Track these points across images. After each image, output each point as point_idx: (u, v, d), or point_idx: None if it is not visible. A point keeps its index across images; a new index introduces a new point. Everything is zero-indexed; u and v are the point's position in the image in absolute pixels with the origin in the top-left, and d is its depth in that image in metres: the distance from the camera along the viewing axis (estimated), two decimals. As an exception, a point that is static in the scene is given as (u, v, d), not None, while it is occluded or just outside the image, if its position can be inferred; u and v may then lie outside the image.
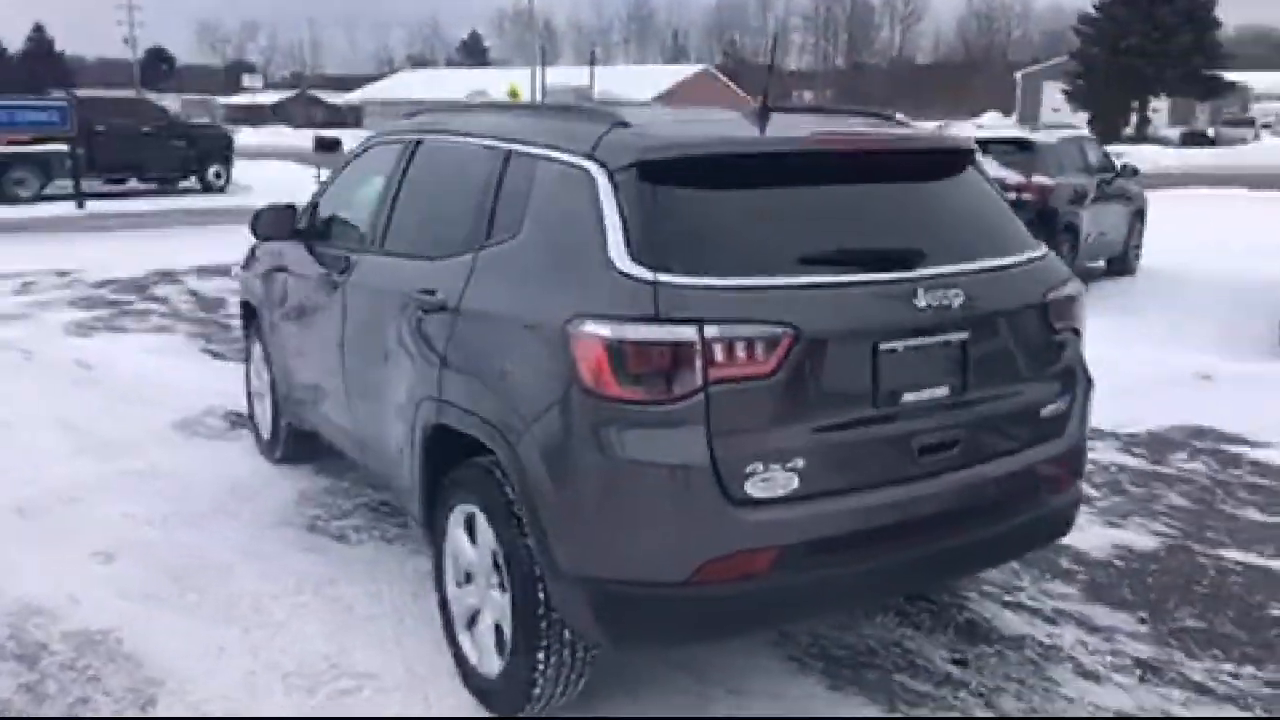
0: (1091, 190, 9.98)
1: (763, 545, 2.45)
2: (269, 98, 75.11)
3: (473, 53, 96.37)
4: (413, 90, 69.30)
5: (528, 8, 51.34)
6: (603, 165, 2.66)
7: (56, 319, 8.55)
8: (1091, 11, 44.75)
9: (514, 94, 39.24)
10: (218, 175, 20.64)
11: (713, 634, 2.69)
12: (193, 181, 20.33)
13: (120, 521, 4.32)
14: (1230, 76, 44.59)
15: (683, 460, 2.41)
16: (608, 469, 2.44)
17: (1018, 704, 3.03)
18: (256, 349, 5.07)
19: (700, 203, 2.61)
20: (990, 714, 2.99)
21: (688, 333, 2.38)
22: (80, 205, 17.16)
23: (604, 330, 2.43)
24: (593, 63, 49.41)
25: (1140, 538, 4.21)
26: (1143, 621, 3.52)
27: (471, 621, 3.03)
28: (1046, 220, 8.77)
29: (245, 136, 35.50)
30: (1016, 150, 9.75)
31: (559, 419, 2.51)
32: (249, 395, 5.31)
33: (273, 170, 24.23)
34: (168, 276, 10.70)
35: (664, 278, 2.44)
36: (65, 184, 17.60)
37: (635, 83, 52.46)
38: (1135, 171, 11.22)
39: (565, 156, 2.80)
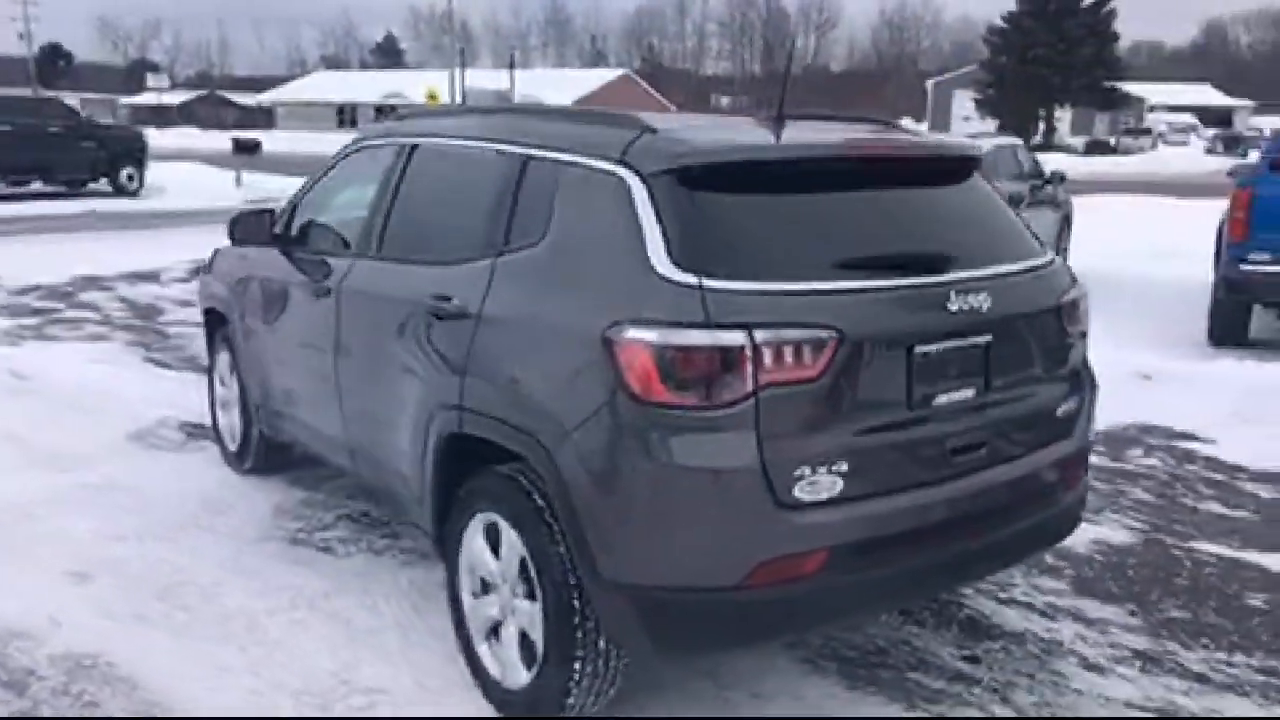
0: (1026, 196, 10.27)
1: (813, 548, 2.47)
2: (175, 98, 72.89)
3: (388, 54, 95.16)
4: (326, 92, 68.11)
5: (446, 9, 50.82)
6: (636, 170, 2.64)
7: (-22, 328, 8.12)
8: (999, 22, 46.28)
9: (432, 97, 38.73)
10: (130, 178, 19.92)
11: (760, 638, 2.69)
12: (103, 184, 19.58)
13: (87, 538, 4.12)
14: (1127, 88, 46.62)
15: (735, 465, 2.40)
16: (658, 475, 2.42)
17: (1031, 698, 3.10)
18: (223, 357, 4.90)
19: (735, 208, 2.61)
20: (1008, 709, 3.05)
21: (738, 337, 2.38)
22: (-19, 209, 16.41)
23: (651, 336, 2.41)
24: (512, 66, 49.18)
25: (1115, 533, 4.35)
26: (1133, 614, 3.63)
27: (491, 633, 2.98)
28: None
29: (152, 138, 34.24)
30: None
31: (604, 425, 2.48)
32: (212, 404, 5.13)
33: (184, 173, 23.46)
34: (94, 282, 10.24)
35: (710, 283, 2.43)
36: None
37: (556, 86, 52.41)
38: (1063, 178, 11.57)
39: (593, 162, 2.77)
